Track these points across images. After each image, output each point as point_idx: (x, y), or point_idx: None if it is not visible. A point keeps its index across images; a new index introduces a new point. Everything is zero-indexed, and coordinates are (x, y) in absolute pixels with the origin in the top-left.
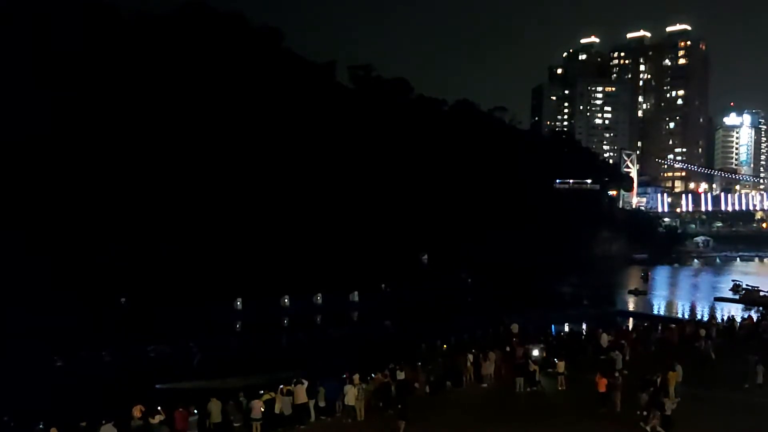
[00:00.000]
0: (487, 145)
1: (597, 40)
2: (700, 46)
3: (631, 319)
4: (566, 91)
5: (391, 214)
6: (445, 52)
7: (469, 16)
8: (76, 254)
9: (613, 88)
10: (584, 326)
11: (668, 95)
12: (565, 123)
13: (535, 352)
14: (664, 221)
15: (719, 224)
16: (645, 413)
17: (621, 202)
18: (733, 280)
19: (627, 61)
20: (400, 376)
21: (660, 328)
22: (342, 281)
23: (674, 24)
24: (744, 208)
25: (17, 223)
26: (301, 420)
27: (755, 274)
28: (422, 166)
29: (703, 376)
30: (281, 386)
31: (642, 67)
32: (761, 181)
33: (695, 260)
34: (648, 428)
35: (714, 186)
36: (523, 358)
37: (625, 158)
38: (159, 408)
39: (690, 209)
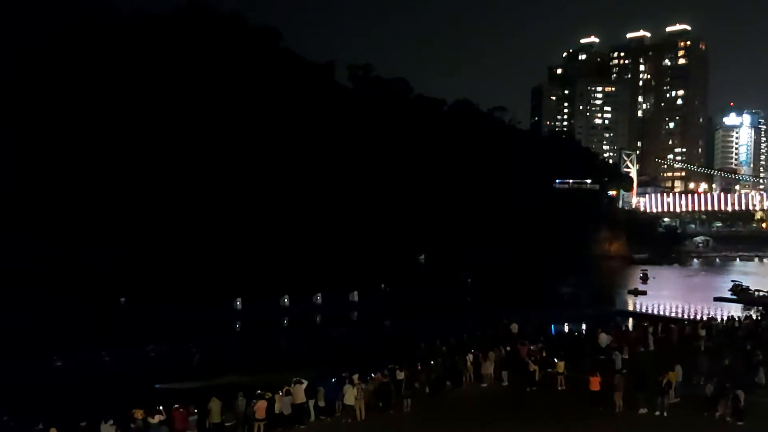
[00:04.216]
0: (487, 145)
1: (597, 40)
2: (700, 46)
3: (630, 319)
4: (566, 91)
5: (391, 214)
6: (445, 52)
7: (468, 16)
8: (77, 254)
9: (613, 88)
10: (584, 326)
11: (668, 95)
12: (565, 123)
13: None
14: (663, 221)
15: (719, 224)
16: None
17: (621, 202)
18: (732, 281)
19: (627, 61)
20: (400, 376)
21: (660, 328)
22: (342, 281)
23: (674, 24)
24: (744, 208)
25: (17, 224)
26: (300, 420)
27: (755, 274)
28: (421, 167)
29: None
30: (285, 387)
31: (642, 67)
32: (761, 181)
33: (695, 260)
34: (717, 417)
35: (714, 186)
36: (526, 358)
37: (625, 158)
38: (161, 408)
39: (690, 209)
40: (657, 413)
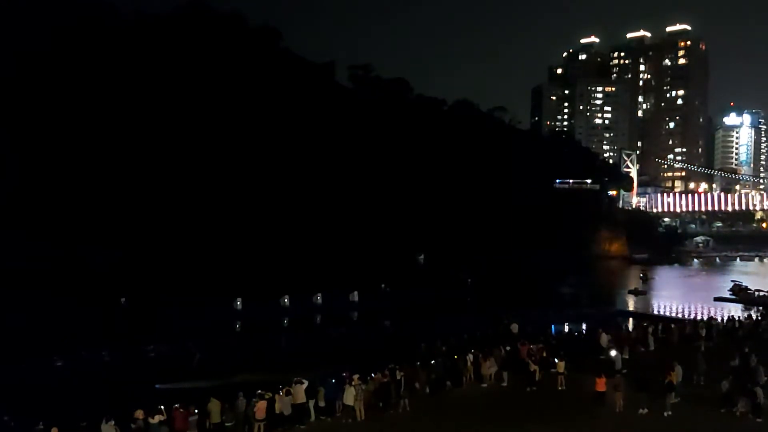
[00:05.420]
0: (487, 145)
1: (597, 40)
2: (700, 46)
3: (631, 319)
4: (566, 91)
5: (391, 214)
6: (445, 52)
7: (468, 16)
8: (77, 254)
9: (613, 88)
10: (584, 326)
11: (668, 95)
12: (565, 123)
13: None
14: (664, 221)
15: (719, 224)
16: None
17: (621, 202)
18: (732, 281)
19: (627, 61)
20: (400, 376)
21: (660, 328)
22: (342, 281)
23: (674, 24)
24: (744, 208)
25: (17, 224)
26: (300, 420)
27: (755, 274)
28: (421, 167)
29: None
30: (285, 387)
31: (642, 67)
32: (761, 181)
33: (695, 260)
34: (738, 413)
35: (714, 186)
36: (527, 358)
37: (625, 158)
38: (162, 407)
39: (690, 209)
40: (664, 413)
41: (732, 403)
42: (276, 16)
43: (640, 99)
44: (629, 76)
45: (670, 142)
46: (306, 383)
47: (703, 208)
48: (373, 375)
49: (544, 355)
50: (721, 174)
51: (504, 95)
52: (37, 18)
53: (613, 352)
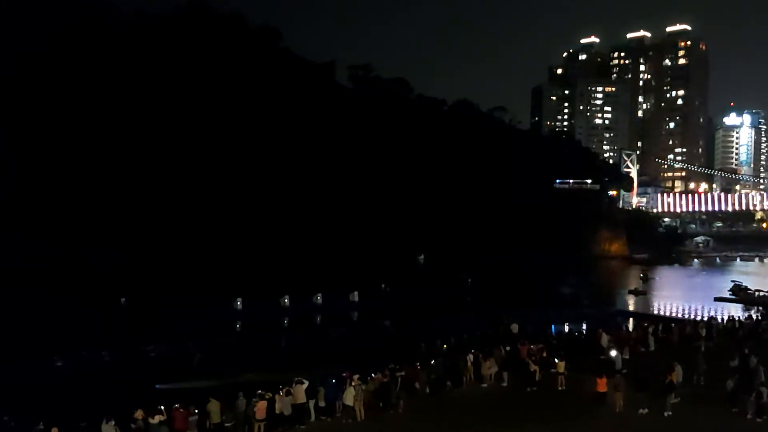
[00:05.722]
0: (487, 145)
1: (597, 40)
2: (700, 46)
3: (631, 319)
4: (566, 91)
5: (391, 214)
6: (445, 52)
7: (469, 16)
8: (77, 254)
9: (613, 88)
10: (584, 326)
11: (668, 95)
12: (565, 123)
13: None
14: (664, 221)
15: (719, 224)
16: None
17: (621, 202)
18: (732, 281)
19: (627, 61)
20: (400, 376)
21: (660, 328)
22: (342, 281)
23: (674, 24)
24: (744, 208)
25: (17, 224)
26: (300, 420)
27: (755, 274)
28: (422, 167)
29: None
30: (285, 387)
31: (642, 67)
32: (761, 181)
33: (695, 260)
34: (750, 414)
35: (714, 186)
36: (527, 358)
37: (625, 158)
38: (162, 408)
39: (690, 209)
40: (664, 413)
41: (737, 402)
42: (276, 16)
43: (640, 99)
44: (629, 76)
45: (670, 142)
46: (306, 383)
47: (703, 208)
48: (373, 375)
49: (544, 355)
50: (721, 174)
51: (504, 95)
52: (37, 18)
53: (613, 352)
